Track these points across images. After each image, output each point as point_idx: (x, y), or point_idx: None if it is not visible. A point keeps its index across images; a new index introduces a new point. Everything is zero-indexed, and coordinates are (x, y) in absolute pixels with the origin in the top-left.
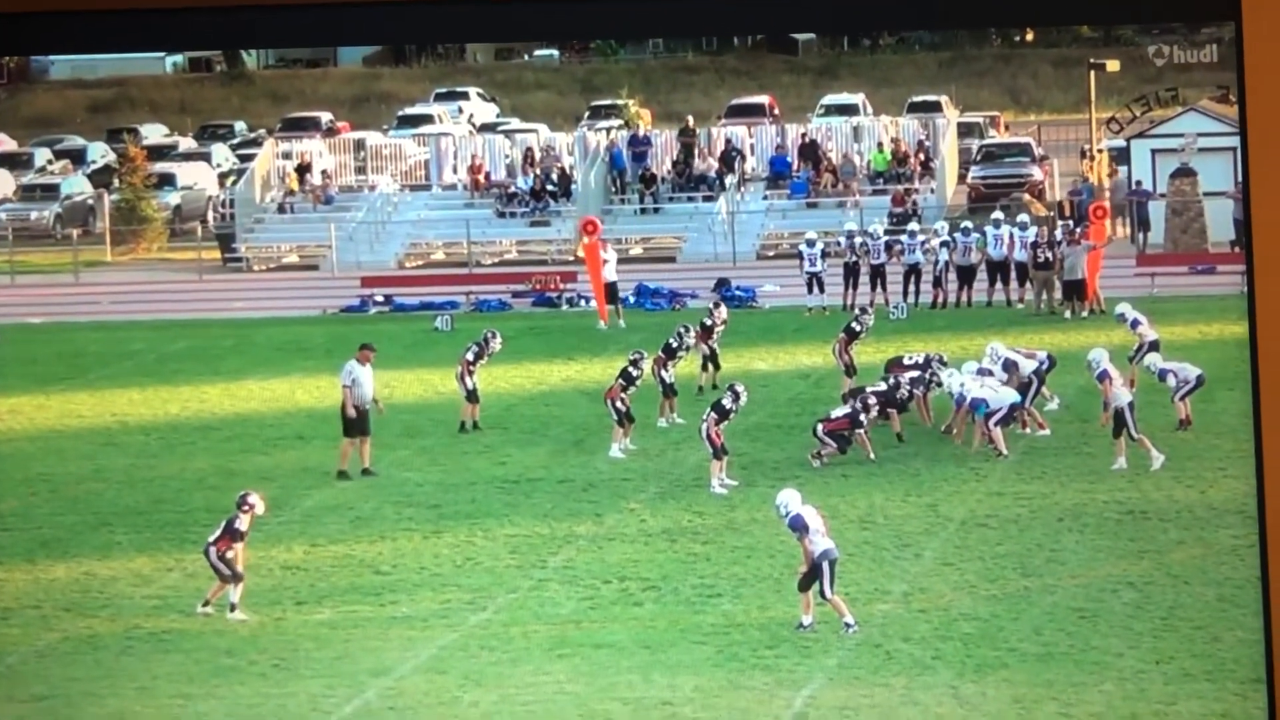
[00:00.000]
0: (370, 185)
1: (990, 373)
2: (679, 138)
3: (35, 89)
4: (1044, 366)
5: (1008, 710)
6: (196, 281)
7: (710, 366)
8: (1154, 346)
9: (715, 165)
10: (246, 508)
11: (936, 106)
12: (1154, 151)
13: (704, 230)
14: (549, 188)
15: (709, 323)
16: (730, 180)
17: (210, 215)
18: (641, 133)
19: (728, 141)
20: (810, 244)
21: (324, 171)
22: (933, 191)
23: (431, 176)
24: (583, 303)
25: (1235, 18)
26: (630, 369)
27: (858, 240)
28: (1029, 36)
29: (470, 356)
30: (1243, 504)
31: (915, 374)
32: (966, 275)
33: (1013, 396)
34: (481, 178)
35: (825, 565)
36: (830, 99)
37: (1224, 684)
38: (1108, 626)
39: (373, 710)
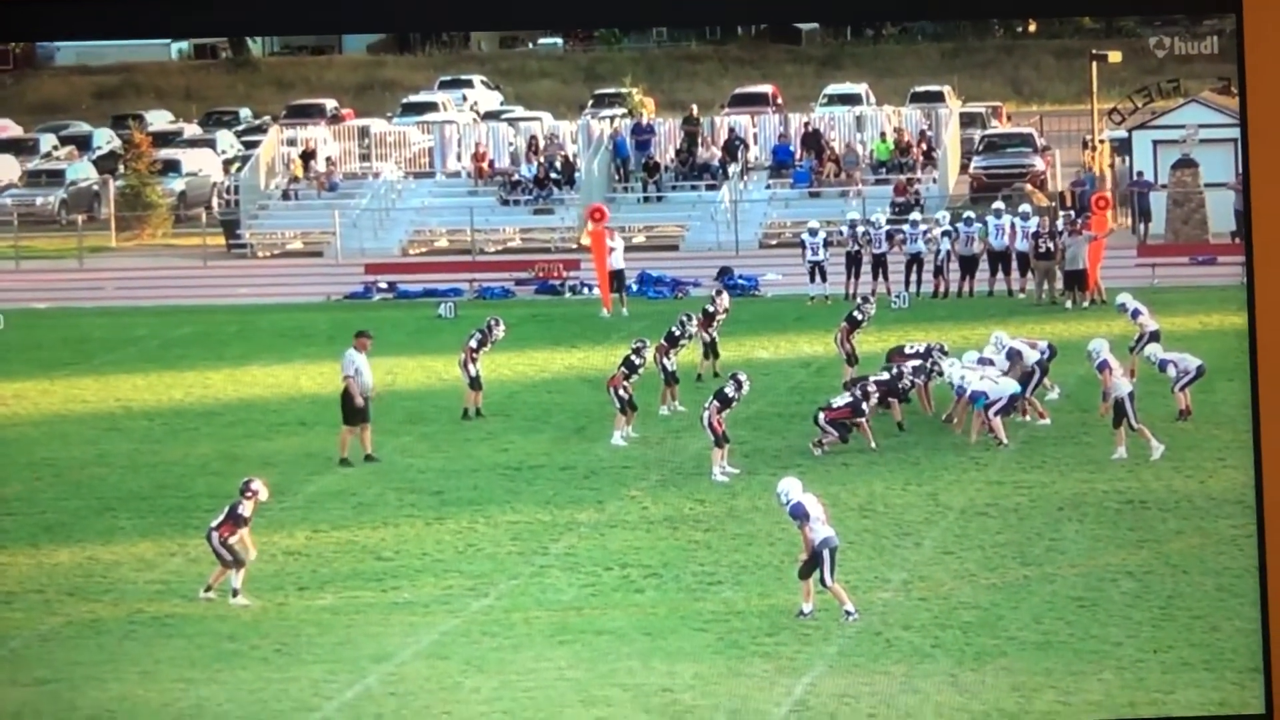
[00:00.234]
0: (374, 172)
1: (991, 362)
2: (682, 126)
3: (41, 75)
4: (1045, 356)
5: (1007, 698)
6: (201, 267)
7: (711, 355)
8: (1154, 337)
9: (718, 154)
10: (250, 494)
11: (939, 96)
12: (1155, 142)
13: (707, 219)
14: (552, 176)
15: (711, 310)
16: (733, 169)
17: (215, 201)
18: (645, 121)
19: (731, 130)
20: (813, 233)
21: (328, 158)
22: (935, 181)
23: (435, 164)
24: (585, 290)
25: (1236, 10)
26: (633, 357)
27: (860, 229)
28: (1031, 28)
29: (473, 344)
30: (1241, 494)
31: (916, 363)
32: (969, 265)
33: (1013, 387)
34: (485, 165)
35: (826, 553)
36: (833, 89)
37: (1222, 673)
38: (1107, 615)
39: (374, 695)
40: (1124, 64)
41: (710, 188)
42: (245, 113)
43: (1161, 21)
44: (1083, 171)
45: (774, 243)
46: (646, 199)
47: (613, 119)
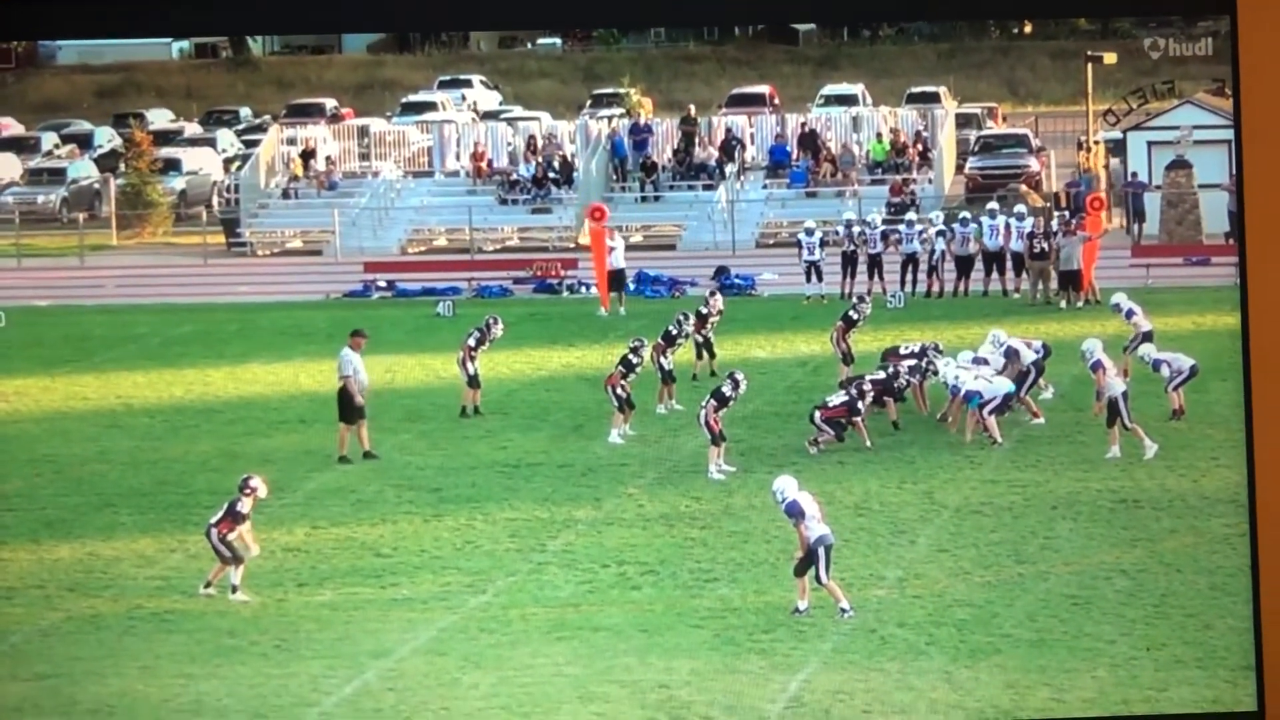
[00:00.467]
0: (374, 171)
1: (986, 361)
2: (680, 126)
3: (43, 74)
4: (1040, 356)
5: (1001, 695)
6: (201, 266)
7: (706, 355)
8: (1147, 337)
9: (715, 154)
10: (248, 491)
11: (935, 97)
12: (1150, 143)
13: (704, 218)
14: (551, 175)
15: (704, 311)
16: (730, 169)
17: (215, 200)
18: (643, 121)
19: (728, 130)
20: (809, 233)
21: (328, 158)
22: (930, 182)
23: (434, 163)
24: (583, 289)
25: (1231, 12)
26: (630, 356)
27: (856, 229)
28: (1027, 29)
29: (472, 342)
30: (1234, 493)
31: (912, 363)
32: (964, 265)
33: (1007, 387)
34: (484, 165)
35: (821, 551)
36: (830, 89)
37: (1215, 670)
38: (1100, 613)
39: (372, 691)
40: (1119, 65)
41: (707, 187)
42: (245, 112)
43: (1156, 23)
44: (1078, 172)
45: (770, 242)
46: (644, 198)
47: (610, 119)
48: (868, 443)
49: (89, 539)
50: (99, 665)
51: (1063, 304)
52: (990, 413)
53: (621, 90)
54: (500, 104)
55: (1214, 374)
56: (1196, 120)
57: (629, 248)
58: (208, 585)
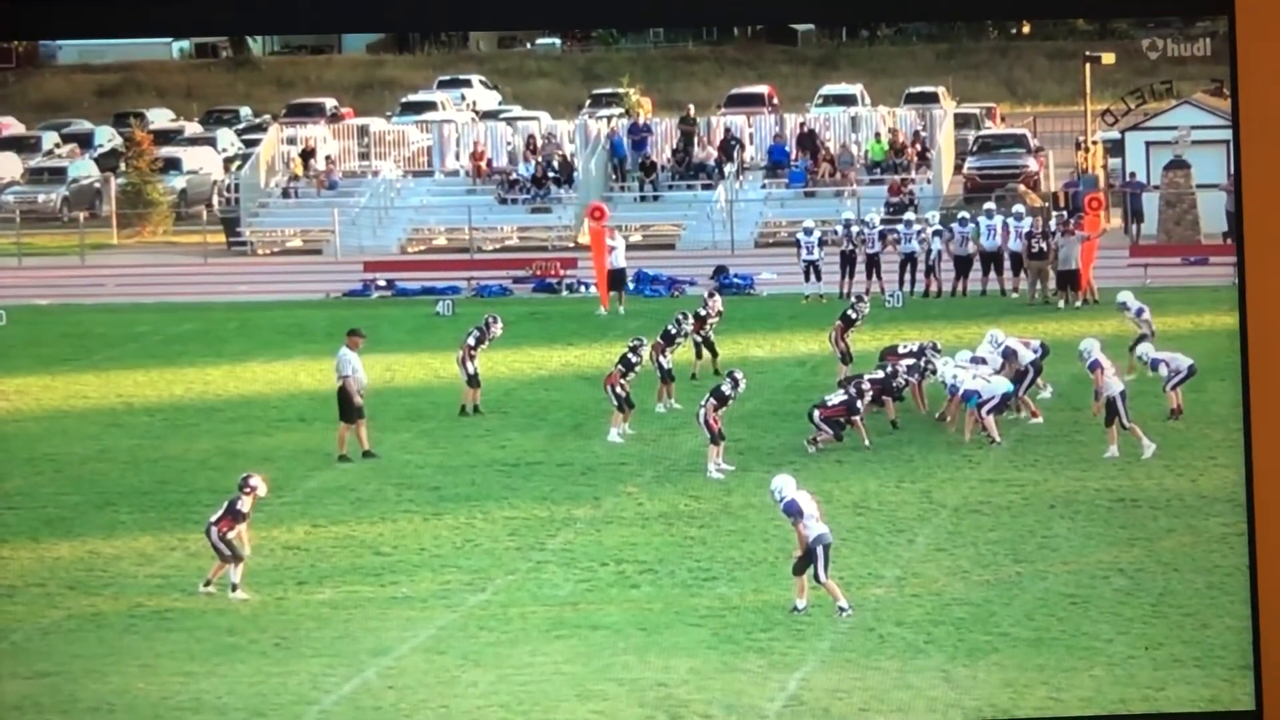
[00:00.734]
0: (373, 171)
1: (984, 361)
2: (679, 126)
3: (43, 73)
4: (1038, 355)
5: (998, 694)
6: (201, 265)
7: (707, 354)
8: (1144, 336)
9: (714, 154)
10: (248, 490)
11: (934, 97)
12: (1148, 144)
13: (703, 218)
14: (550, 175)
15: (703, 313)
16: (729, 169)
17: (215, 199)
18: (642, 121)
19: (727, 130)
20: (808, 232)
21: (328, 157)
22: (929, 182)
23: (434, 163)
24: (583, 289)
25: (1229, 12)
26: (629, 355)
27: (854, 229)
28: (1025, 29)
29: (471, 341)
30: (1232, 492)
31: (910, 362)
32: (963, 265)
33: (1005, 386)
34: (483, 164)
35: (819, 550)
36: (828, 89)
37: (1212, 670)
38: (1098, 612)
39: (372, 689)
40: (1117, 66)
41: (706, 187)
42: (245, 111)
43: (1155, 24)
44: (1077, 172)
45: (769, 242)
46: (643, 198)
47: (610, 119)
48: (866, 442)
49: (89, 537)
50: (99, 663)
51: (1061, 304)
52: (989, 412)
53: (621, 90)
54: (500, 104)
55: (1212, 374)
56: (1194, 120)
57: (628, 247)
58: (207, 584)
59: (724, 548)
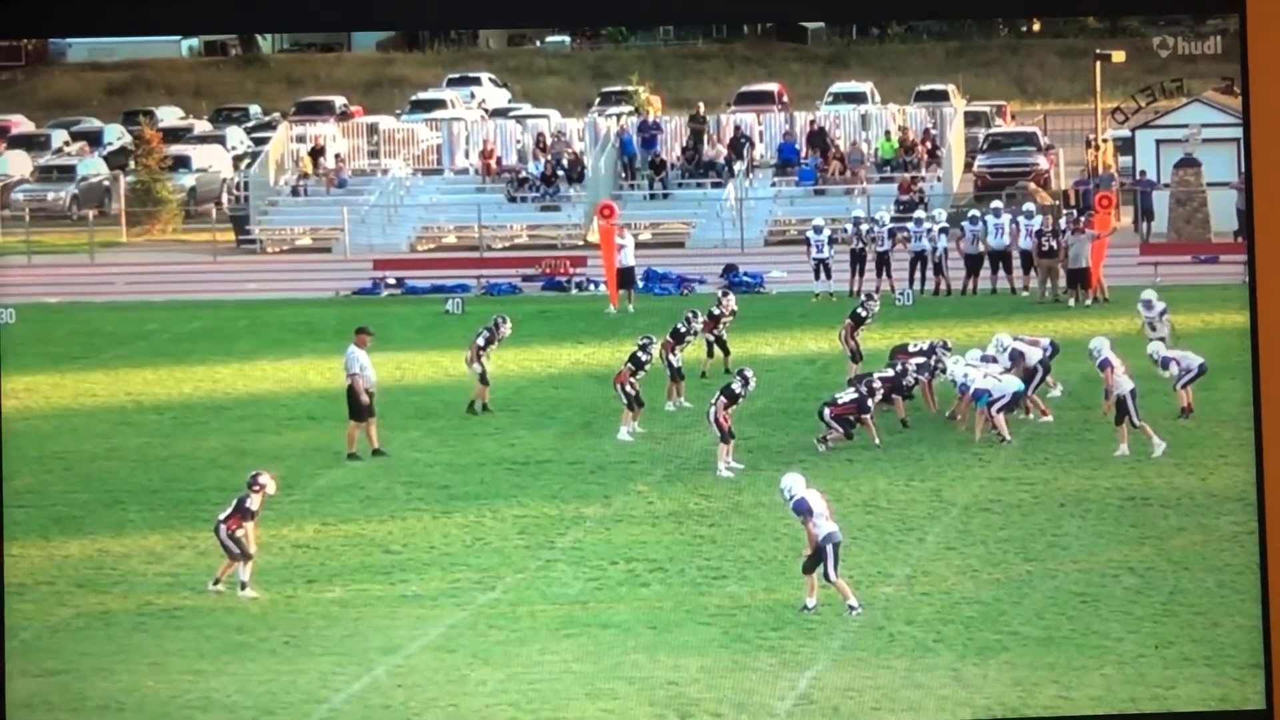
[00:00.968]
0: (383, 169)
1: (994, 359)
2: (688, 124)
3: (53, 71)
4: (1048, 354)
5: (1008, 693)
6: (211, 263)
7: (720, 352)
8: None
9: (724, 152)
10: (257, 487)
11: (944, 95)
12: (1158, 142)
13: (712, 216)
14: (560, 173)
15: (716, 312)
16: (739, 167)
17: (225, 197)
18: (651, 119)
19: (737, 128)
20: (818, 230)
21: (337, 155)
22: (939, 180)
23: (443, 161)
24: (592, 287)
25: (1240, 10)
26: (639, 354)
27: (864, 227)
28: (1036, 27)
29: (481, 342)
30: (1243, 491)
31: (920, 360)
32: (974, 264)
33: (1016, 385)
34: (493, 162)
35: (829, 548)
36: (838, 87)
37: (1223, 669)
38: (1108, 611)
39: (382, 687)
40: (1128, 63)
41: (716, 185)
42: (255, 109)
43: (1165, 21)
44: (1088, 170)
45: (779, 240)
46: (652, 196)
47: (619, 116)
48: (876, 440)
49: (99, 536)
50: (108, 661)
51: (1071, 302)
52: (999, 411)
53: (630, 88)
54: (509, 101)
55: (1223, 372)
56: (1205, 118)
57: (638, 245)
58: (216, 582)
59: (734, 546)
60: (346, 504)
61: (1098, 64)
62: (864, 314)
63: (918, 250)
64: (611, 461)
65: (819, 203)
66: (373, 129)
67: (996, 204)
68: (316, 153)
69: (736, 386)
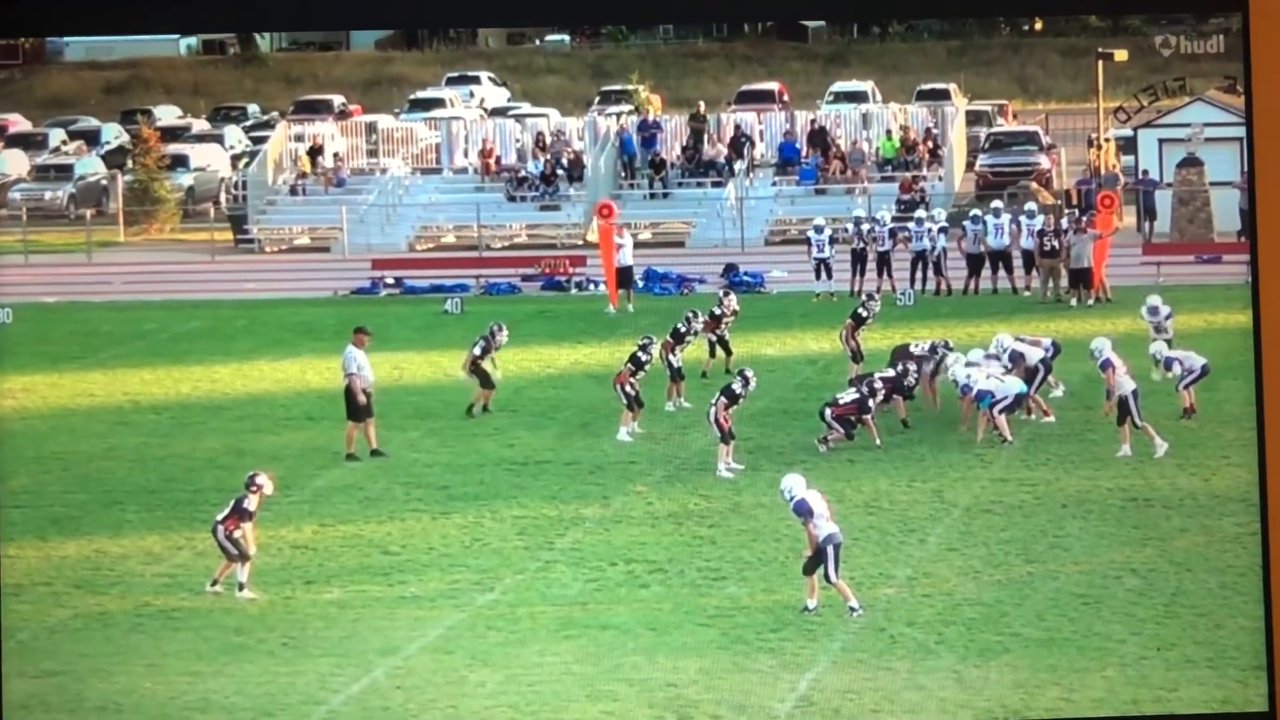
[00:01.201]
0: (381, 168)
1: (996, 358)
2: (689, 123)
3: (50, 70)
4: (1049, 354)
5: (1010, 694)
6: (209, 262)
7: (721, 352)
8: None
9: (724, 151)
10: (255, 488)
11: (945, 94)
12: (1161, 141)
13: (713, 215)
14: (559, 172)
15: (717, 312)
16: (739, 166)
17: (223, 197)
18: (651, 118)
19: (737, 127)
20: (818, 230)
21: (336, 154)
22: (941, 179)
23: (442, 160)
24: (592, 286)
25: (1242, 9)
26: (639, 354)
27: (865, 227)
28: (1038, 26)
29: (478, 351)
30: (1245, 492)
31: (922, 360)
32: (975, 264)
33: (1018, 386)
34: (492, 162)
35: (830, 549)
36: (839, 86)
37: (1225, 670)
38: (1110, 612)
39: (380, 689)
40: (1130, 62)
41: (716, 184)
42: (253, 108)
43: (1168, 20)
44: (1089, 170)
45: (779, 240)
46: (652, 195)
47: (619, 115)
48: (877, 441)
49: (96, 536)
50: (106, 662)
51: (1073, 302)
52: (1001, 411)
53: (630, 87)
54: (508, 100)
55: (1225, 372)
56: (1208, 118)
57: (637, 245)
58: (214, 583)
59: (734, 547)
60: (345, 505)
61: (1100, 63)
62: (865, 314)
63: (919, 250)
64: (611, 462)
65: (820, 202)
66: (371, 128)
67: (997, 203)
68: (315, 152)
69: (737, 387)
